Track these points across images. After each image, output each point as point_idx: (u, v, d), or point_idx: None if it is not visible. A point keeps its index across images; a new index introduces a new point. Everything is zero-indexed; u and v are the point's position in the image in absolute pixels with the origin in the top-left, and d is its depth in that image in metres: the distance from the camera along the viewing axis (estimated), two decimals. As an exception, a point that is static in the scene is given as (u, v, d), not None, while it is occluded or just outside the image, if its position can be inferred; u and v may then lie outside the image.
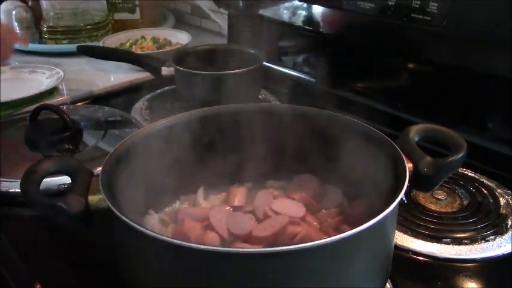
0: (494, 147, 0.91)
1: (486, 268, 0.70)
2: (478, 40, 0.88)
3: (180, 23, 1.79)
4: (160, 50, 1.40)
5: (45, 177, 0.55)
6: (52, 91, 1.22)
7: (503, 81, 0.86)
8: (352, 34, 1.08)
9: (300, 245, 0.46)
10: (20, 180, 0.54)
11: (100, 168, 0.56)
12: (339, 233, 0.47)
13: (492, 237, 0.74)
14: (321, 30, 1.15)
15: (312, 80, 1.22)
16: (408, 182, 0.55)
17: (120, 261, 0.57)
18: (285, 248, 0.46)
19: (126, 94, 1.25)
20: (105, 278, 0.68)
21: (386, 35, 1.01)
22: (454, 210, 0.80)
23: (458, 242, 0.73)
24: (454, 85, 0.95)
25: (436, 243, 0.73)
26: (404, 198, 0.82)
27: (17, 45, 1.50)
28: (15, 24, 1.50)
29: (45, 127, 0.96)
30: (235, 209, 0.70)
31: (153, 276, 0.53)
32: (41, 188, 0.55)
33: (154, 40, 1.48)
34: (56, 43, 1.53)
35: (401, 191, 0.53)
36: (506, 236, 0.74)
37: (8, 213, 0.81)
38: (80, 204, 0.53)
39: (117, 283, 0.60)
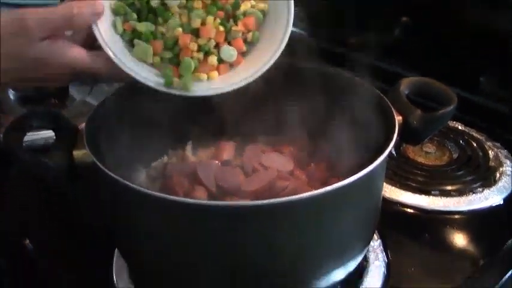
0: (485, 102, 0.90)
1: (473, 220, 0.71)
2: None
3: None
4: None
5: (28, 132, 0.54)
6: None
7: (497, 36, 0.85)
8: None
9: (287, 198, 0.46)
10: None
11: (86, 123, 0.55)
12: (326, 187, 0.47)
13: (480, 189, 0.74)
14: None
15: (304, 33, 1.20)
16: (397, 135, 0.54)
17: (108, 218, 0.57)
18: (272, 201, 0.46)
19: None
20: (94, 233, 0.68)
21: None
22: (443, 163, 0.81)
23: (446, 194, 0.74)
24: (448, 39, 0.94)
25: (424, 196, 0.73)
26: (393, 152, 0.82)
27: None
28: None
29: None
30: (224, 163, 0.69)
31: (141, 231, 0.53)
32: (26, 143, 0.54)
33: None
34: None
35: (390, 143, 0.52)
36: (494, 188, 0.74)
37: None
38: (63, 160, 0.52)
39: (106, 239, 0.61)
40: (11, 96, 0.93)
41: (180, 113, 0.69)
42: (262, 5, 0.61)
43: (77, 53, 0.50)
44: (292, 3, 0.59)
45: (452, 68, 0.93)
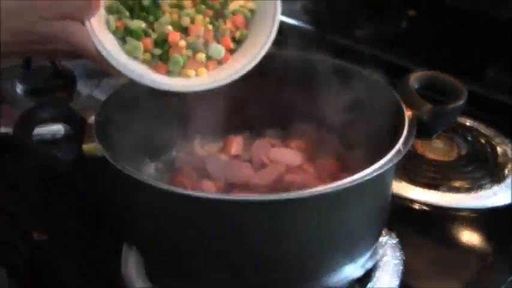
0: (493, 95, 0.90)
1: (482, 216, 0.71)
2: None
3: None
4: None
5: (38, 124, 0.54)
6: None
7: (504, 27, 0.85)
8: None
9: (296, 193, 0.46)
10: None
11: (94, 117, 0.55)
12: (336, 181, 0.47)
13: (489, 185, 0.74)
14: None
15: (310, 27, 1.19)
16: (407, 130, 0.54)
17: (117, 209, 0.57)
18: (282, 196, 0.46)
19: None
20: (104, 225, 0.68)
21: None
22: (451, 159, 0.80)
23: (455, 190, 0.73)
24: (455, 31, 0.93)
25: (433, 192, 0.73)
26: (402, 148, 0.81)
27: None
28: None
29: (38, 75, 0.94)
30: (233, 157, 0.69)
31: (150, 223, 0.53)
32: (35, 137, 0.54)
33: None
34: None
35: (400, 139, 0.52)
36: (503, 185, 0.74)
37: (4, 161, 0.81)
38: (73, 153, 0.52)
39: (116, 230, 0.61)
40: (18, 90, 0.93)
41: (188, 107, 0.69)
42: (250, 4, 0.62)
43: (85, 36, 0.50)
44: (279, 3, 0.59)
45: (460, 62, 0.92)
